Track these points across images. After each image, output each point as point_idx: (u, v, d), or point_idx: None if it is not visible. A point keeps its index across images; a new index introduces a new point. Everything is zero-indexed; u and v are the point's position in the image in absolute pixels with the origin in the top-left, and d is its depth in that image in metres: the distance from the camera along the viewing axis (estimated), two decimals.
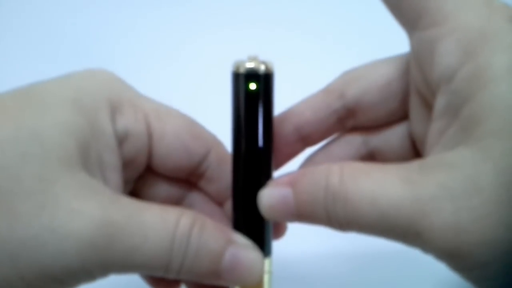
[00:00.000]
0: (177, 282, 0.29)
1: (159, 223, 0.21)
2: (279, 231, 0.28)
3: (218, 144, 0.27)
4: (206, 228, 0.22)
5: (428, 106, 0.24)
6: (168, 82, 0.46)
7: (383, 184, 0.20)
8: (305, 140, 0.27)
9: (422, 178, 0.20)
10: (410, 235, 0.20)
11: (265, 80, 0.24)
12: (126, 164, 0.25)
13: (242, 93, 0.24)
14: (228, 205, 0.28)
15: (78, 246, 0.20)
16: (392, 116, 0.27)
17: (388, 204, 0.20)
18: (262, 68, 0.24)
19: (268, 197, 0.23)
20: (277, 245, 0.27)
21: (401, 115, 0.26)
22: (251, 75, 0.24)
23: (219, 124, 0.27)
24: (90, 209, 0.20)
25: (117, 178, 0.24)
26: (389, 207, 0.20)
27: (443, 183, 0.19)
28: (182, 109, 0.27)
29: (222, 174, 0.27)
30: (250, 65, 0.24)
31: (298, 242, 0.33)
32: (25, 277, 0.20)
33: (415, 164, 0.21)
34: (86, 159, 0.22)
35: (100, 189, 0.21)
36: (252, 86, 0.24)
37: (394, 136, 0.27)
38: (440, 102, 0.22)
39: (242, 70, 0.24)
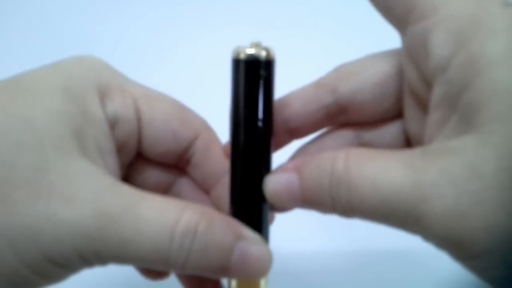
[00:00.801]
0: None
1: (156, 217, 0.21)
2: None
3: (207, 129, 0.27)
4: (214, 223, 0.21)
5: (422, 105, 0.24)
6: (166, 78, 0.46)
7: (385, 169, 0.20)
8: (292, 133, 0.27)
9: (424, 164, 0.20)
10: (410, 220, 0.20)
11: (267, 67, 0.23)
12: (119, 149, 0.25)
13: (243, 80, 0.23)
14: (215, 192, 0.27)
15: (71, 234, 0.20)
16: (385, 115, 0.26)
17: (389, 188, 0.20)
18: (263, 54, 0.23)
19: (274, 182, 0.23)
20: (276, 242, 0.26)
21: (395, 114, 0.26)
22: (252, 61, 0.23)
23: (218, 117, 0.27)
24: (84, 198, 0.20)
25: (115, 162, 0.24)
26: (390, 192, 0.20)
27: (443, 168, 0.19)
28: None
29: (208, 161, 0.27)
30: (251, 51, 0.23)
31: (297, 238, 0.33)
32: (27, 262, 0.20)
33: (418, 150, 0.21)
34: (84, 146, 0.22)
35: (98, 176, 0.21)
36: (253, 72, 0.23)
37: (387, 134, 0.27)
38: (436, 93, 0.22)
39: (242, 56, 0.23)
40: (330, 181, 0.21)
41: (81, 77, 0.23)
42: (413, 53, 0.23)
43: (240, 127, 0.24)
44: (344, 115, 0.26)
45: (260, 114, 0.24)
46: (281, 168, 0.23)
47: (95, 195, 0.20)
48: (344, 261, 0.36)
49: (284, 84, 0.26)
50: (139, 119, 0.25)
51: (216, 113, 0.27)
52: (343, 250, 0.36)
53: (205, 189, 0.28)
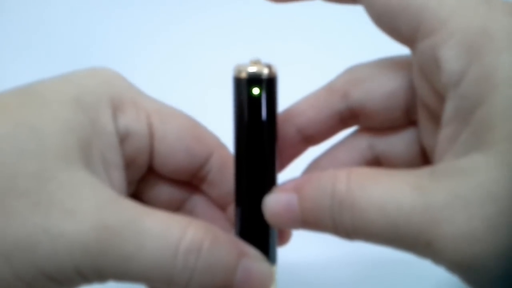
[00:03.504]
0: None
1: (160, 232, 0.20)
2: (284, 237, 0.27)
3: (221, 147, 0.27)
4: (219, 241, 0.21)
5: (436, 119, 0.23)
6: (169, 85, 0.46)
7: (392, 191, 0.19)
8: (308, 140, 0.27)
9: (434, 185, 0.19)
10: (420, 244, 0.19)
11: (269, 84, 0.23)
12: (128, 164, 0.25)
13: (245, 98, 0.23)
14: (231, 209, 0.27)
15: (70, 248, 0.19)
16: (397, 122, 0.26)
17: (397, 211, 0.19)
18: (265, 72, 0.23)
19: (273, 203, 0.22)
20: (283, 251, 0.26)
21: (407, 122, 0.26)
22: (254, 79, 0.23)
23: (221, 128, 0.26)
24: (85, 210, 0.20)
25: (120, 177, 0.24)
26: (398, 215, 0.19)
27: (455, 190, 0.18)
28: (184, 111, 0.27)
29: (225, 178, 0.26)
30: (252, 69, 0.23)
31: (303, 247, 0.33)
32: (22, 276, 0.19)
33: (426, 170, 0.20)
34: (89, 157, 0.21)
35: (100, 188, 0.21)
36: (255, 91, 0.23)
37: (400, 142, 0.26)
38: (449, 108, 0.21)
39: (244, 75, 0.23)
40: (332, 202, 0.20)
41: (94, 88, 0.23)
42: (424, 68, 0.22)
43: (243, 145, 0.24)
44: (356, 120, 0.26)
45: (264, 133, 0.23)
46: (281, 187, 0.23)
47: (96, 208, 0.20)
48: (350, 269, 0.35)
49: (287, 91, 0.26)
50: (151, 134, 0.25)
51: (217, 119, 0.27)
52: (350, 258, 0.36)
53: (221, 207, 0.28)
